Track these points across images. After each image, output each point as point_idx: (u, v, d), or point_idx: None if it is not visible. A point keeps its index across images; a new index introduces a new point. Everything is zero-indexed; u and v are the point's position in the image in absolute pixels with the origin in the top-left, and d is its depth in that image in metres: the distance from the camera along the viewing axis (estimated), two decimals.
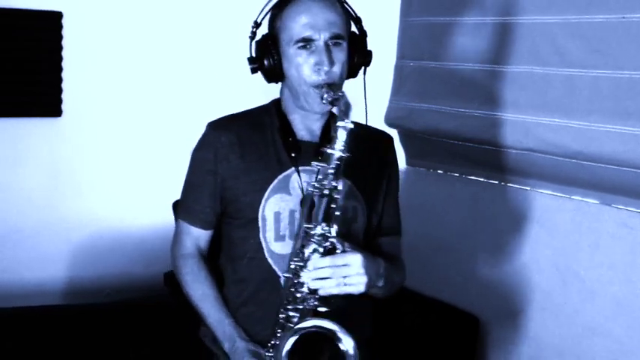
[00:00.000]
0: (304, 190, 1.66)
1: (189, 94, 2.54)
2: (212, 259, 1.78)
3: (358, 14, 1.69)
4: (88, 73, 2.38)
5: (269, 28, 1.67)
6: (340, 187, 1.53)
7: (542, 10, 2.17)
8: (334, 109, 1.57)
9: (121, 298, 2.44)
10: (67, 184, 2.41)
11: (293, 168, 1.67)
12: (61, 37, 2.31)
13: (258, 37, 1.68)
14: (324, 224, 1.52)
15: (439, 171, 2.67)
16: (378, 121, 2.70)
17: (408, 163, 2.78)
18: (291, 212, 1.66)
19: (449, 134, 2.49)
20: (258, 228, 1.66)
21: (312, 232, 1.53)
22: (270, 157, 1.68)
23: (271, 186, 1.66)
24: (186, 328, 1.87)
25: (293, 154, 1.67)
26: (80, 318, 2.14)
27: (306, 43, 1.59)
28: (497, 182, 2.43)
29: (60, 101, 2.34)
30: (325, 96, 1.57)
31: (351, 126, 1.50)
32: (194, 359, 1.84)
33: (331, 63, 1.58)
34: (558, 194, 2.24)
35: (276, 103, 1.75)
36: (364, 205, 1.73)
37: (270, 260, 1.66)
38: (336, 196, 1.53)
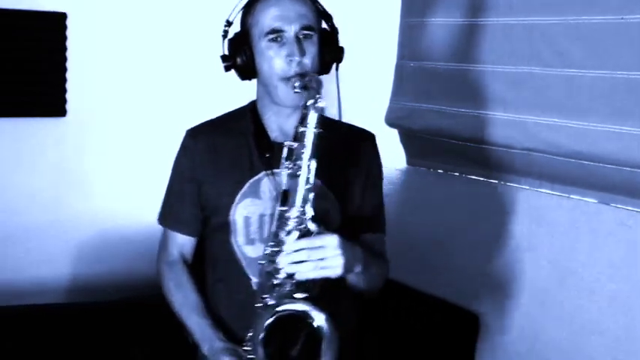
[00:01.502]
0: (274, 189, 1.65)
1: (193, 94, 2.55)
2: (198, 262, 1.82)
3: (328, 11, 1.70)
4: (92, 73, 2.40)
5: (241, 26, 1.70)
6: (314, 166, 1.50)
7: (541, 11, 2.18)
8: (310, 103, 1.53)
9: (126, 296, 2.44)
10: (72, 183, 2.42)
11: (263, 172, 1.68)
12: (65, 38, 2.32)
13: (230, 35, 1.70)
14: (299, 206, 1.50)
15: (439, 170, 2.68)
16: (378, 121, 2.71)
17: (408, 162, 2.79)
18: (261, 216, 1.68)
19: (449, 134, 2.50)
20: (230, 232, 1.68)
21: (287, 215, 1.50)
22: (242, 162, 1.70)
23: (242, 190, 1.68)
24: None
25: (267, 155, 1.68)
26: (84, 316, 2.15)
27: (277, 35, 1.60)
28: (496, 181, 2.45)
29: (64, 101, 2.36)
30: (297, 84, 1.56)
31: (323, 104, 1.49)
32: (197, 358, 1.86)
33: (302, 54, 1.59)
34: (557, 193, 2.26)
35: (253, 104, 1.76)
36: (337, 204, 1.72)
37: (242, 263, 1.69)
38: (309, 176, 1.50)
